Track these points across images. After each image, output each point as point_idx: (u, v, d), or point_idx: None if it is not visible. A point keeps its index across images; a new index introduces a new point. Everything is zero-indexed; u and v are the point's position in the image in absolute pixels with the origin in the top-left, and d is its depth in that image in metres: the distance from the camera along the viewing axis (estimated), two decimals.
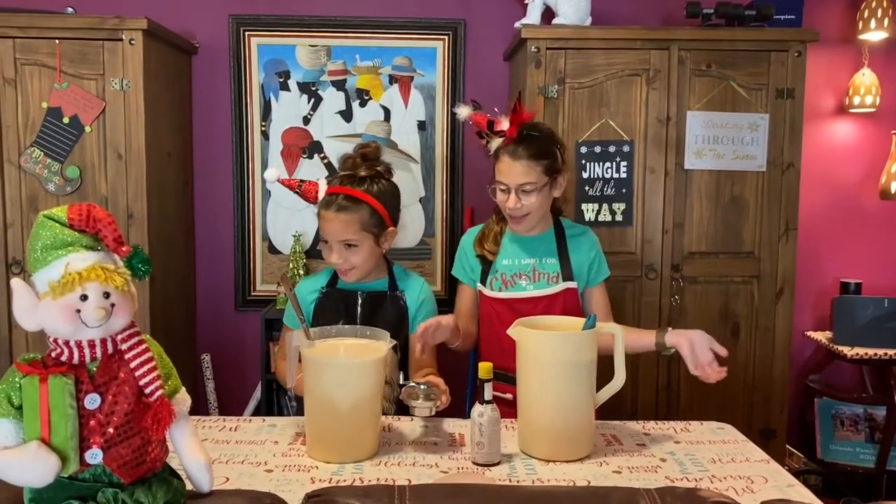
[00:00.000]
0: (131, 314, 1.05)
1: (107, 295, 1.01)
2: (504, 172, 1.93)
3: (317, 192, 1.95)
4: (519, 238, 2.05)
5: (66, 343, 1.02)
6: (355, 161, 2.00)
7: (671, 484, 1.48)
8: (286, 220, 3.19)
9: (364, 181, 1.97)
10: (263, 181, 3.17)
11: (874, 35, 3.10)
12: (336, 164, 2.05)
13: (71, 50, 2.61)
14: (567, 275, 2.02)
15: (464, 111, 2.03)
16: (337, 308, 2.00)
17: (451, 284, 3.24)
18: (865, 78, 3.16)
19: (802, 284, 3.12)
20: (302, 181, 1.95)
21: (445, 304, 3.21)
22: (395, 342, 1.87)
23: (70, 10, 2.72)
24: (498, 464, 1.58)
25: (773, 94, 2.75)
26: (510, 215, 1.98)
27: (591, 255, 2.06)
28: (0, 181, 2.64)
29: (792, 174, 2.78)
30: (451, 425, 1.81)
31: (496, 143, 1.96)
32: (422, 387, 1.68)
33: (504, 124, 1.94)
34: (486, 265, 2.05)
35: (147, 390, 1.04)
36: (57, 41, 2.60)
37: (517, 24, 2.85)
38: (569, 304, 2.00)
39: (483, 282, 2.06)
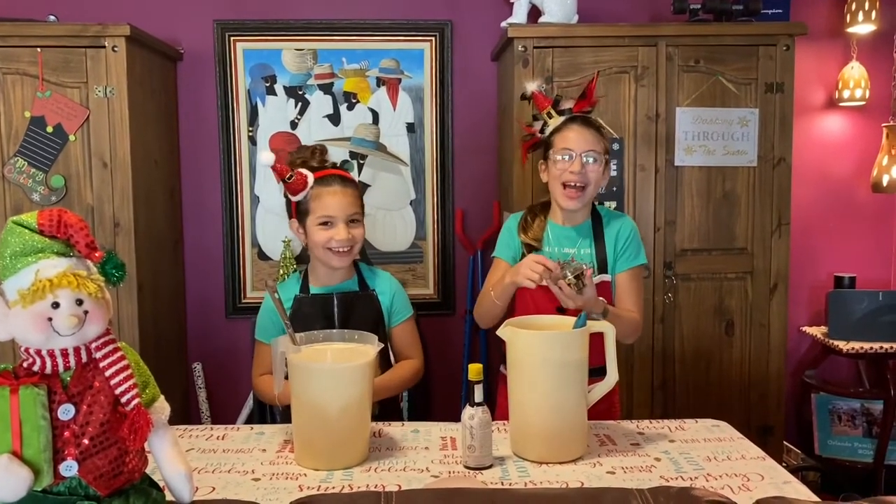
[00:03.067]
0: (106, 321, 1.02)
1: (80, 302, 0.98)
2: (572, 139, 1.94)
3: (305, 181, 1.94)
4: (559, 227, 2.03)
5: (38, 352, 0.99)
6: (315, 152, 2.03)
7: (666, 483, 1.45)
8: (275, 225, 3.16)
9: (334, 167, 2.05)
10: (252, 187, 3.15)
11: (862, 28, 3.09)
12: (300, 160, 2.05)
13: (53, 58, 2.58)
14: (601, 266, 2.00)
15: (532, 85, 2.07)
16: (314, 313, 1.99)
17: (444, 287, 3.22)
18: (854, 71, 3.15)
19: (796, 279, 3.11)
20: (293, 170, 1.94)
21: (437, 307, 3.21)
22: (381, 345, 1.86)
23: (52, 17, 2.69)
24: (490, 467, 1.55)
25: (763, 89, 2.74)
26: (568, 184, 1.93)
27: (620, 239, 2.01)
28: None
29: (783, 169, 2.77)
30: (443, 429, 1.79)
31: (555, 122, 1.99)
32: (570, 272, 1.75)
33: (569, 103, 2.01)
34: (528, 251, 2.01)
35: (123, 399, 1.01)
36: (39, 49, 2.57)
37: (504, 24, 2.84)
38: (604, 297, 1.96)
39: None
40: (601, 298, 1.86)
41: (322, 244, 1.96)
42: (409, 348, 2.08)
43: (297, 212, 2.00)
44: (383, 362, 2.00)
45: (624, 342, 1.96)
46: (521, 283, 1.83)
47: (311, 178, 1.94)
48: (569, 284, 1.75)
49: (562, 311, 1.89)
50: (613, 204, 2.73)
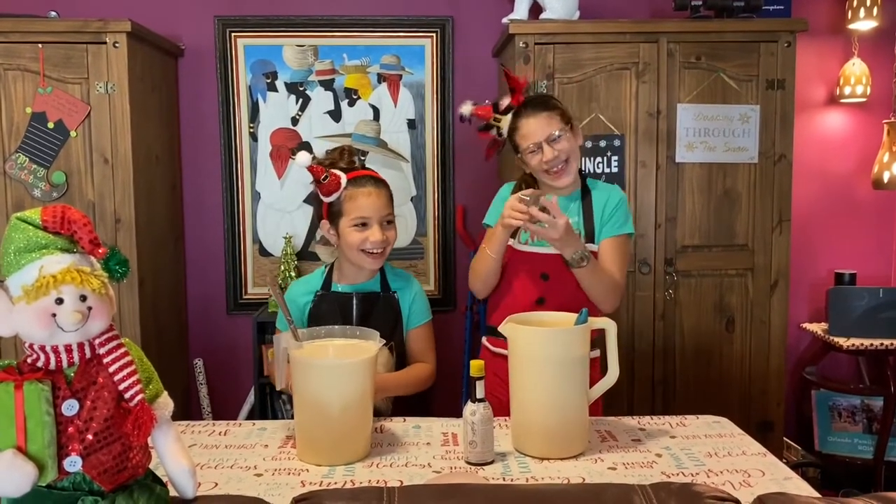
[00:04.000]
0: (109, 317, 1.02)
1: (83, 298, 0.99)
2: (529, 133, 1.94)
3: (339, 182, 1.92)
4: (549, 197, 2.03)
5: (42, 348, 0.99)
6: (343, 153, 2.02)
7: (667, 479, 1.46)
8: (276, 221, 3.16)
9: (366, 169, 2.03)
10: (253, 183, 3.15)
11: (863, 24, 3.09)
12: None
13: (54, 54, 2.58)
14: (588, 236, 1.99)
15: (466, 107, 2.07)
16: (333, 311, 1.99)
17: (445, 283, 3.23)
18: (856, 68, 3.15)
19: (797, 276, 3.11)
20: (328, 171, 1.93)
21: (439, 303, 3.21)
22: (391, 343, 1.86)
23: (53, 13, 2.70)
24: (491, 463, 1.56)
25: (764, 86, 2.74)
26: (551, 170, 1.94)
27: (608, 208, 2.00)
28: None
29: (784, 166, 2.77)
30: (445, 425, 1.79)
31: (506, 121, 1.99)
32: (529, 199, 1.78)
33: (507, 99, 2.00)
34: None
35: (127, 395, 1.02)
36: (40, 45, 2.57)
37: (505, 20, 2.84)
38: None
39: (513, 235, 2.02)
40: (583, 243, 1.87)
41: (356, 246, 1.93)
42: (424, 352, 2.05)
43: (329, 213, 1.97)
44: (399, 366, 1.99)
45: (602, 306, 1.95)
46: (507, 224, 1.84)
47: (344, 178, 1.93)
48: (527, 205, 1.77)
49: (541, 301, 1.91)
50: None
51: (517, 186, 2.08)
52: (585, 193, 2.03)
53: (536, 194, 1.79)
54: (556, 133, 1.93)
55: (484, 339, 2.09)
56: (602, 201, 2.01)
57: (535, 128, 1.94)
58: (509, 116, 1.99)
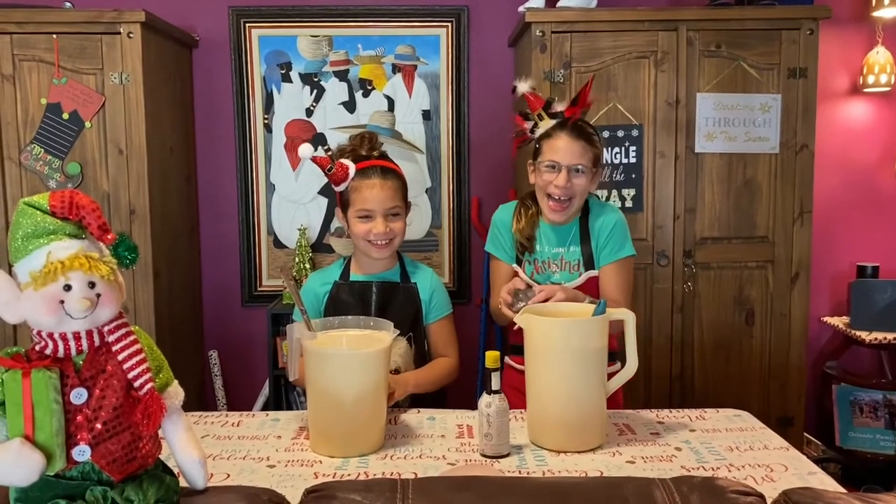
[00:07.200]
0: (119, 304, 1.00)
1: (92, 285, 0.97)
2: (559, 150, 1.87)
3: (347, 172, 1.92)
4: (549, 227, 1.98)
5: (51, 335, 0.97)
6: (364, 139, 2.01)
7: (687, 473, 1.43)
8: (291, 213, 3.15)
9: (383, 157, 2.00)
10: (268, 174, 3.14)
11: (888, 12, 3.02)
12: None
13: (69, 45, 2.58)
14: (588, 262, 1.95)
15: (523, 85, 2.01)
16: (351, 300, 1.98)
17: (460, 276, 3.20)
18: (880, 56, 3.08)
19: (818, 269, 3.05)
20: (334, 160, 1.91)
21: (454, 295, 3.16)
22: (409, 333, 1.84)
23: (68, 4, 2.69)
24: (507, 455, 1.53)
25: (785, 74, 2.69)
26: (554, 197, 1.89)
27: (602, 233, 1.95)
28: (0, 179, 2.61)
29: (806, 156, 2.71)
30: (460, 417, 1.77)
31: (546, 124, 1.93)
32: (520, 294, 1.76)
33: (562, 106, 1.93)
34: (521, 249, 2.00)
35: (136, 384, 1.00)
36: (55, 36, 2.57)
37: (521, 9, 2.80)
38: (593, 294, 1.91)
39: (517, 263, 2.01)
40: (582, 295, 1.82)
41: (361, 236, 1.94)
42: (446, 346, 2.03)
43: (341, 201, 1.98)
44: (419, 358, 1.97)
45: (613, 331, 1.89)
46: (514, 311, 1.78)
47: (352, 169, 1.92)
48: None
49: None
50: (633, 191, 2.69)
51: (517, 211, 2.02)
52: (584, 217, 1.98)
53: (524, 294, 1.76)
54: (581, 167, 1.87)
55: (507, 359, 2.05)
56: (598, 226, 1.95)
57: (568, 149, 1.87)
58: (553, 122, 1.92)
